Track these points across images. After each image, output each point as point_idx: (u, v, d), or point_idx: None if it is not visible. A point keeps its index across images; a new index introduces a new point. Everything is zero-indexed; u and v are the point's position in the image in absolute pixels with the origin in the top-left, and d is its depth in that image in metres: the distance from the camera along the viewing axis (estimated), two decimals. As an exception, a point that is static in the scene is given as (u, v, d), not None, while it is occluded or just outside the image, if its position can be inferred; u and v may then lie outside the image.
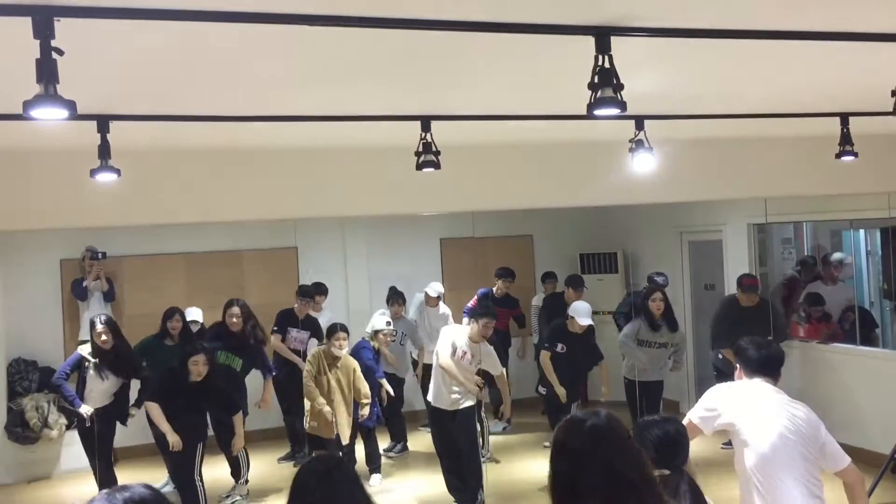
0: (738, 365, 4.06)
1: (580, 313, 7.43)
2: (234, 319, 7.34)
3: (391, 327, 7.74)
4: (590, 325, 7.56)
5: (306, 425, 7.14)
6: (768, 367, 3.97)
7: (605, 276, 10.34)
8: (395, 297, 8.69)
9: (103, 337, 6.73)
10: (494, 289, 9.29)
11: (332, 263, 9.69)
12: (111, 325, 6.86)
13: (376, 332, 7.66)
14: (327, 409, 6.86)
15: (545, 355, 7.52)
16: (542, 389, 7.70)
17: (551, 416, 7.78)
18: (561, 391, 7.42)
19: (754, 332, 7.98)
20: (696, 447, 3.82)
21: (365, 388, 7.09)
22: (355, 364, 7.13)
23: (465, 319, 7.57)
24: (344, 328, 7.06)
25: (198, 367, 6.34)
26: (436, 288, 9.02)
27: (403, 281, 9.44)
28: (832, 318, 8.44)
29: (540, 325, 9.21)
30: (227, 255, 9.36)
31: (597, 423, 2.12)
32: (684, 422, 3.72)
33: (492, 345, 7.06)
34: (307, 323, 8.22)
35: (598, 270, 10.42)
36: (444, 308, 9.00)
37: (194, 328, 7.82)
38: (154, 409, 6.41)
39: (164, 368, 6.78)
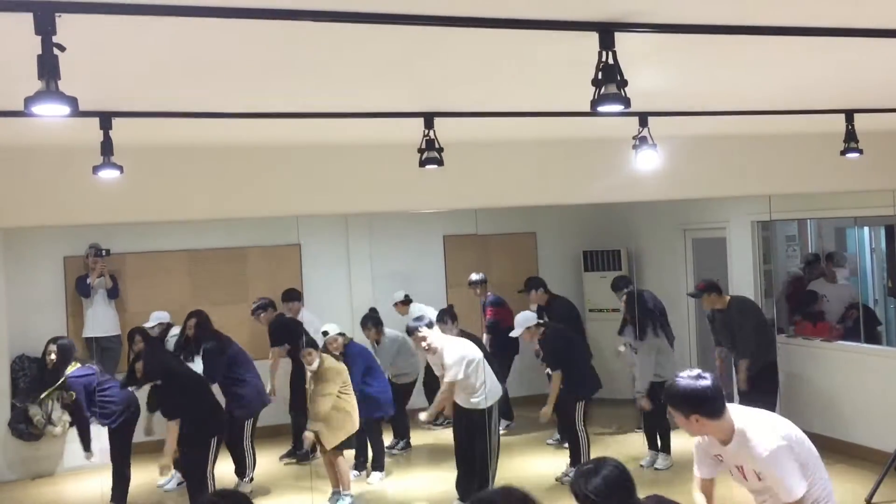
0: (692, 417, 3.36)
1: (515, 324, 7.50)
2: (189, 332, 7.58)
3: (331, 335, 7.45)
4: (542, 335, 7.42)
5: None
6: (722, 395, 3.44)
7: (609, 273, 10.30)
8: (366, 321, 8.32)
9: (52, 356, 7.03)
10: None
11: (335, 260, 9.69)
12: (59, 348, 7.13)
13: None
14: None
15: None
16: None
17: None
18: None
19: (723, 334, 8.02)
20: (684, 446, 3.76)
21: (330, 402, 6.85)
22: (326, 372, 6.88)
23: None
24: (312, 343, 7.00)
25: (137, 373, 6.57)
26: (396, 296, 8.97)
27: (406, 278, 9.44)
28: (828, 317, 8.42)
29: None
30: (230, 251, 9.36)
31: None
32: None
33: (493, 346, 7.14)
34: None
35: (601, 268, 10.41)
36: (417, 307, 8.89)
37: (158, 330, 7.93)
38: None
39: None
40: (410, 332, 6.91)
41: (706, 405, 3.33)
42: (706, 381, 3.36)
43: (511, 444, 8.67)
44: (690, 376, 3.40)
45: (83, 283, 8.56)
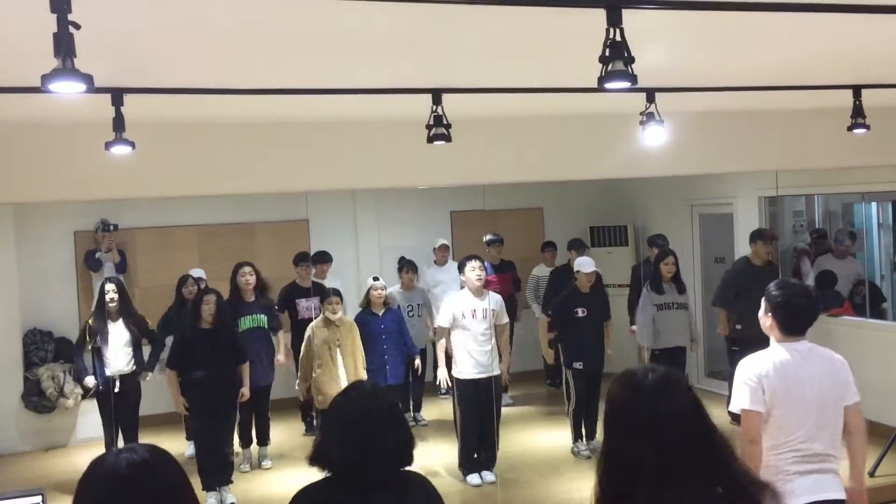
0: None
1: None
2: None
3: (381, 282, 7.60)
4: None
5: (315, 402, 7.07)
6: None
7: (616, 248, 10.35)
8: (407, 265, 8.62)
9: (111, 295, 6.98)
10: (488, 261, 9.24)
11: (342, 236, 9.74)
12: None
13: (367, 292, 7.53)
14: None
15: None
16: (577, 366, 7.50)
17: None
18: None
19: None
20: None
21: (362, 354, 7.01)
22: (352, 322, 7.08)
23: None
24: (336, 292, 7.04)
25: (209, 307, 6.49)
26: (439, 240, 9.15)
27: (414, 253, 9.47)
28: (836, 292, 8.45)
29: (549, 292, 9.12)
30: (238, 227, 9.41)
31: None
32: None
33: None
34: (315, 291, 8.15)
35: (608, 243, 10.44)
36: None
37: (202, 285, 7.89)
38: (170, 376, 6.64)
39: (179, 331, 6.91)
40: (463, 262, 7.00)
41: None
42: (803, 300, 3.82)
43: (511, 418, 8.75)
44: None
45: (92, 258, 8.64)
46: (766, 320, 3.75)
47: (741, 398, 3.62)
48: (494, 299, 6.87)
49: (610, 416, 1.99)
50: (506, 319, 7.03)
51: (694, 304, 9.37)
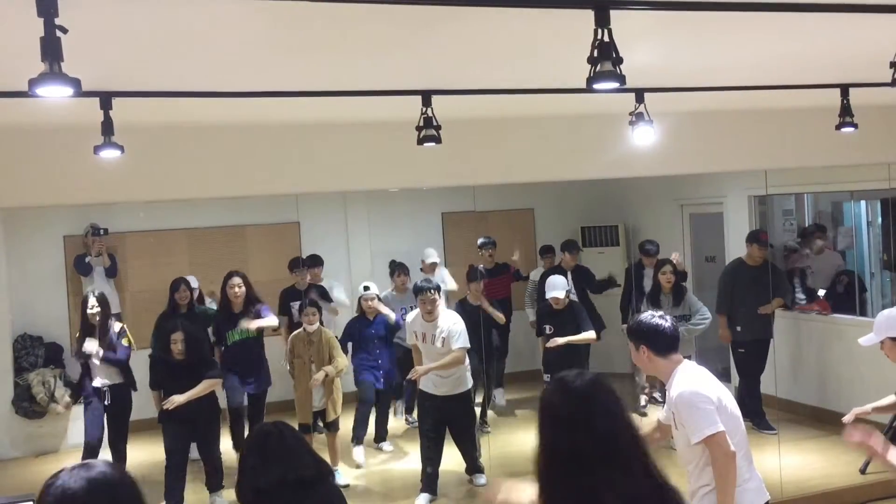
0: (641, 349, 3.73)
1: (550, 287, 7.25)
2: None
3: (370, 292, 7.62)
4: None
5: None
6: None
7: (607, 249, 10.38)
8: (399, 268, 8.52)
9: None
10: (481, 264, 9.16)
11: (334, 238, 9.73)
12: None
13: (358, 300, 7.64)
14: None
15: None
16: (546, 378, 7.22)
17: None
18: None
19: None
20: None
21: (341, 360, 6.97)
22: (331, 335, 7.08)
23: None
24: (313, 303, 7.06)
25: (177, 346, 6.34)
26: (429, 254, 8.93)
27: (405, 255, 9.47)
28: (816, 286, 8.50)
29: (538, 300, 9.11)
30: (229, 230, 9.39)
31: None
32: None
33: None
34: (310, 293, 8.16)
35: (599, 244, 10.46)
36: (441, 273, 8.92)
37: (195, 294, 7.83)
38: (154, 396, 6.66)
39: (152, 354, 6.86)
40: (416, 291, 6.69)
41: (655, 340, 3.68)
42: (664, 321, 3.73)
43: (504, 421, 8.75)
44: (652, 314, 3.78)
45: (82, 262, 8.60)
46: (646, 355, 3.72)
47: (710, 422, 3.53)
48: (446, 325, 6.52)
49: (543, 413, 2.23)
50: (458, 345, 6.46)
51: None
